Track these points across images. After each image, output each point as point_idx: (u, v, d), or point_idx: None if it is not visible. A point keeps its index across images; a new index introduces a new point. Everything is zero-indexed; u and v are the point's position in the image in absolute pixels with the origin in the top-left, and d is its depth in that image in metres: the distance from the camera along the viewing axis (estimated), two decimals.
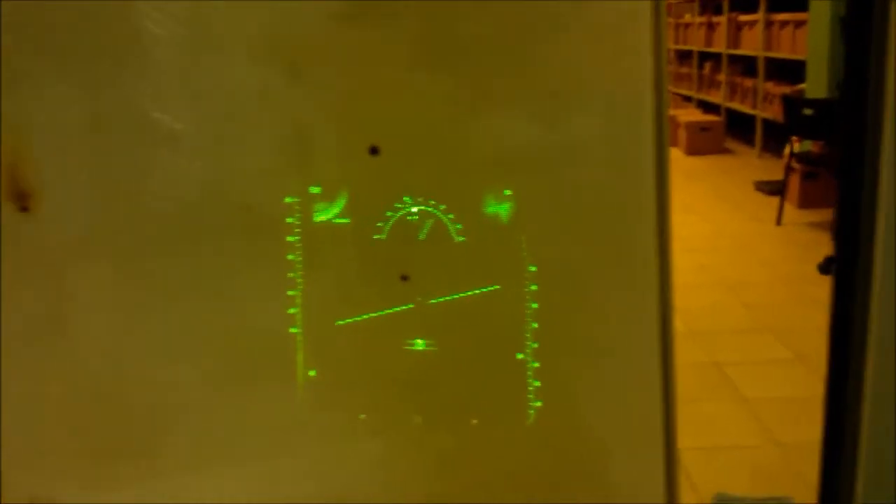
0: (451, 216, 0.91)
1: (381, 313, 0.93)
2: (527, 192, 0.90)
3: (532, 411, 0.95)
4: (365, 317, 0.93)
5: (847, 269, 0.95)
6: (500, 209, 0.91)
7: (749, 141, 7.32)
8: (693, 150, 7.25)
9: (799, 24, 6.02)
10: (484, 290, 0.92)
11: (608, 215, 0.90)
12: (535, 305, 0.92)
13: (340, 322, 0.94)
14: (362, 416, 0.96)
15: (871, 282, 0.95)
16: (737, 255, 4.33)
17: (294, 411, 0.95)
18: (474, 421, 0.95)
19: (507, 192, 0.90)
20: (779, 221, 4.86)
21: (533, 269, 0.92)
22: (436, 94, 0.89)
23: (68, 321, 0.94)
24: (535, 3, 0.86)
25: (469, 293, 0.93)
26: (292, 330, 0.95)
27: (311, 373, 0.95)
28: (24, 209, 0.93)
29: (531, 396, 0.94)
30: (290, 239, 0.93)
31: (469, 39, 0.89)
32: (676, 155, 7.21)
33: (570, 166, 0.89)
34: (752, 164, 6.75)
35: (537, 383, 0.94)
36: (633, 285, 0.90)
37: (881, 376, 0.94)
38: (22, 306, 0.94)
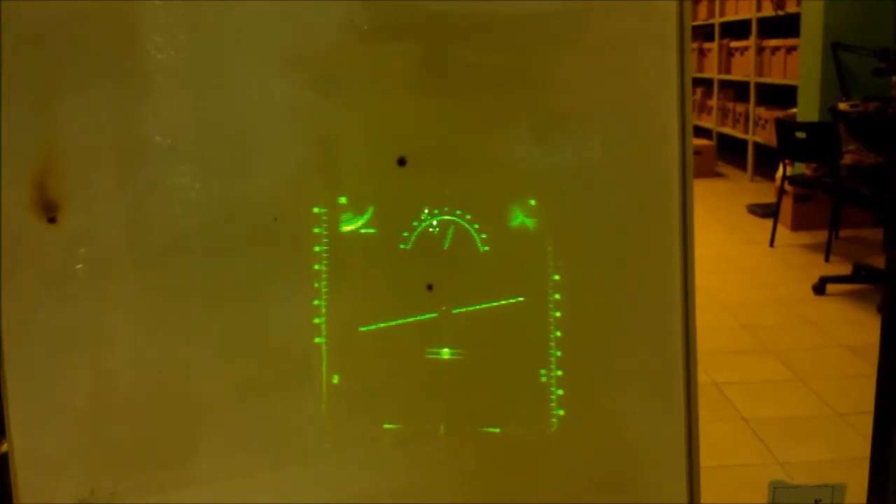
0: (476, 226, 0.93)
1: (406, 321, 0.94)
2: (552, 202, 0.92)
3: (555, 420, 0.95)
4: (391, 323, 0.94)
5: None
6: (526, 219, 0.92)
7: (740, 165, 7.38)
8: None
9: (790, 49, 6.10)
10: (509, 301, 0.93)
11: (634, 227, 0.92)
12: (558, 314, 0.94)
13: (364, 329, 0.95)
14: (387, 426, 0.96)
15: None
16: (733, 276, 4.36)
17: (320, 419, 0.95)
18: (498, 429, 0.96)
19: (533, 203, 0.92)
20: (772, 243, 4.90)
21: (556, 277, 0.93)
22: (463, 106, 0.91)
23: (95, 331, 0.95)
24: (570, 26, 0.89)
25: (493, 304, 0.94)
26: (317, 340, 0.95)
27: (335, 381, 0.96)
28: (52, 220, 0.94)
29: (554, 405, 0.95)
30: (316, 249, 0.94)
31: (496, 55, 0.91)
32: None
33: (597, 179, 0.91)
34: (744, 188, 6.80)
35: (560, 392, 0.95)
36: (658, 295, 0.92)
37: None
38: (49, 317, 0.95)
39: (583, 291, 0.94)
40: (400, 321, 0.94)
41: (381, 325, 0.94)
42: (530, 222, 0.92)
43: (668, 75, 0.89)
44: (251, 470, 0.96)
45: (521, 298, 0.93)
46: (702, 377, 3.08)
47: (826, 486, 0.91)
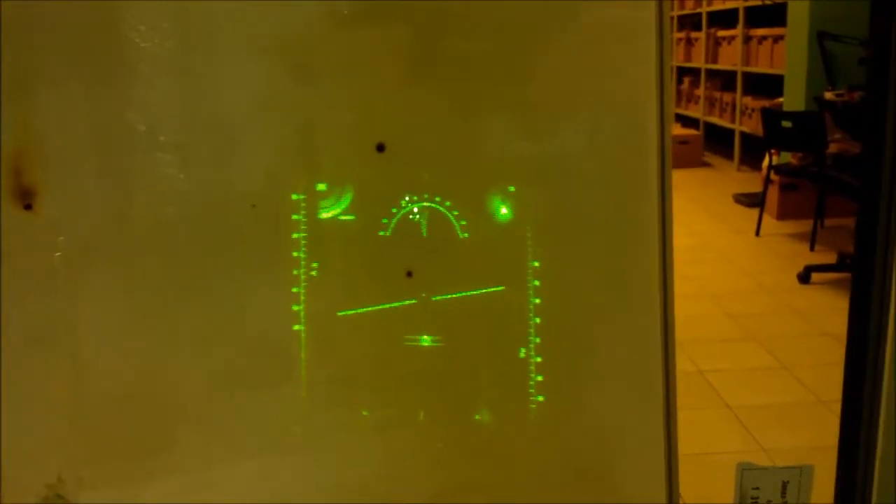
0: (455, 213, 0.93)
1: (384, 307, 0.94)
2: (532, 189, 0.92)
3: (534, 406, 0.96)
4: (371, 309, 0.94)
5: (865, 271, 0.97)
6: (505, 206, 0.92)
7: (727, 154, 7.40)
8: (672, 164, 7.31)
9: (777, 38, 6.12)
10: (488, 287, 0.93)
11: (613, 215, 0.92)
12: (537, 301, 0.94)
13: (343, 315, 0.94)
14: (365, 413, 0.96)
15: (889, 284, 0.97)
16: (719, 266, 4.37)
17: (299, 408, 0.95)
18: (477, 416, 0.96)
19: (512, 189, 0.92)
20: (758, 233, 4.92)
21: (536, 264, 0.93)
22: (442, 93, 0.91)
23: (73, 321, 0.94)
24: (549, 15, 0.89)
25: (473, 291, 0.94)
26: (296, 327, 0.95)
27: (314, 368, 0.96)
28: (28, 207, 0.93)
29: (533, 391, 0.95)
30: (295, 236, 0.94)
31: (475, 43, 0.90)
32: None
33: (576, 166, 0.91)
34: (730, 177, 6.82)
35: (539, 378, 0.95)
36: (636, 282, 0.92)
37: None
38: (26, 306, 0.94)
39: (562, 278, 0.94)
40: (379, 307, 0.94)
41: (361, 311, 0.94)
42: (510, 209, 0.92)
43: (648, 64, 0.89)
44: (230, 458, 0.95)
45: (501, 285, 0.93)
46: (687, 365, 3.10)
47: (794, 467, 0.92)
